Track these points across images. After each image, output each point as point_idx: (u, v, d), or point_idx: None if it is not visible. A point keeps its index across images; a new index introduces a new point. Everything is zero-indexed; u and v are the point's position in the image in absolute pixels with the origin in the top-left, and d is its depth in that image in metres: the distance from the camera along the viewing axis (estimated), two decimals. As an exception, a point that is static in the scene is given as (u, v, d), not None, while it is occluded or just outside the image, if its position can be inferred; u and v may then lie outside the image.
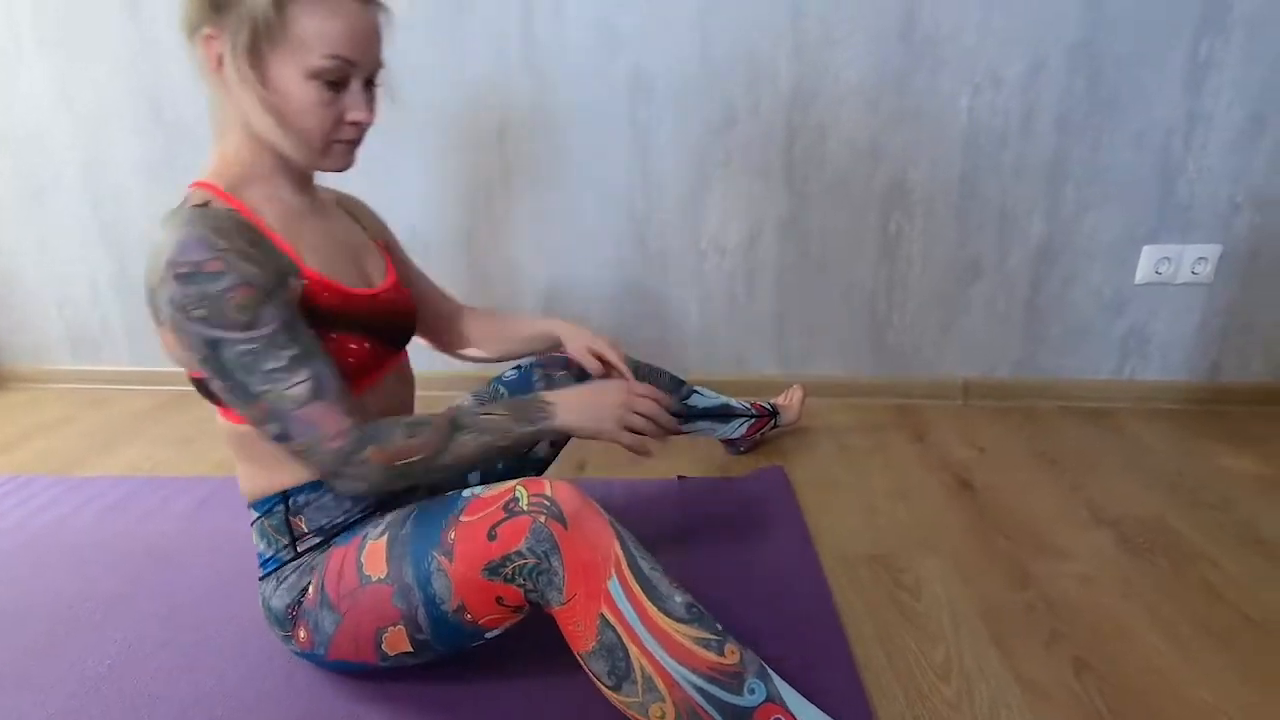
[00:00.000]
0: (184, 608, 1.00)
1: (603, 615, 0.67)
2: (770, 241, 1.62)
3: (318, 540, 0.82)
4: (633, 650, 0.67)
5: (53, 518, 1.24)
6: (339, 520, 0.82)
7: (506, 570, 0.69)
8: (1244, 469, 1.33)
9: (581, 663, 0.70)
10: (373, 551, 0.76)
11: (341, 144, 0.78)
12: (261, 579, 0.84)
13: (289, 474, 0.81)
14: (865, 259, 1.61)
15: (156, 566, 1.10)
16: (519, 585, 0.69)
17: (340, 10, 0.71)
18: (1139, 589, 1.00)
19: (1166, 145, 1.45)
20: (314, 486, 0.81)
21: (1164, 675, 0.84)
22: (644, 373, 1.17)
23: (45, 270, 1.83)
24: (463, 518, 0.72)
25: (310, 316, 0.75)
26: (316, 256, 0.78)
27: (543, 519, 0.69)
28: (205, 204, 0.72)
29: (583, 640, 0.68)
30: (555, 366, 1.06)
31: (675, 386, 1.22)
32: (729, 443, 1.41)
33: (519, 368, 1.07)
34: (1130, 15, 1.38)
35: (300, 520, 0.82)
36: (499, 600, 0.70)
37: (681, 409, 1.23)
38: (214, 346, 0.68)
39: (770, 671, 0.70)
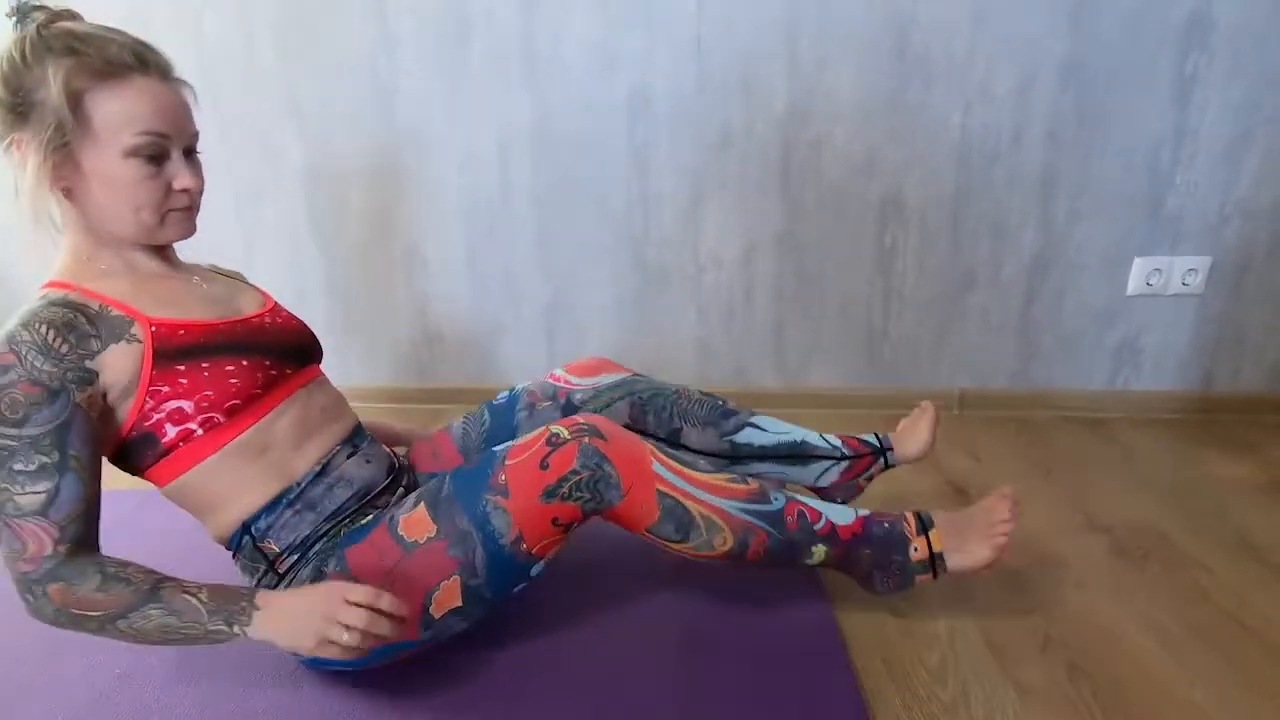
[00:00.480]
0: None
1: (659, 490, 0.83)
2: (767, 255, 1.65)
3: (295, 557, 0.85)
4: (689, 505, 0.84)
5: (61, 531, 1.26)
6: (307, 533, 0.85)
7: (564, 490, 0.80)
8: (1236, 476, 1.35)
9: (648, 537, 0.85)
10: (411, 522, 0.82)
11: (177, 212, 0.82)
12: None
13: (238, 506, 0.84)
14: (861, 271, 1.64)
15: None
16: (576, 499, 0.80)
17: (141, 91, 0.76)
18: (1132, 594, 1.01)
19: (1155, 159, 1.48)
20: (269, 509, 0.84)
21: (1157, 678, 0.86)
22: (667, 401, 1.05)
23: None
24: (508, 462, 0.82)
25: (172, 355, 0.77)
26: (163, 305, 0.81)
27: (587, 439, 0.82)
28: (43, 298, 0.75)
29: (647, 517, 0.83)
30: (543, 397, 1.07)
31: (720, 417, 1.05)
32: (818, 491, 1.12)
33: (512, 389, 1.10)
34: (1117, 33, 1.42)
35: (270, 543, 0.85)
36: (554, 521, 0.81)
37: (725, 446, 1.05)
38: None
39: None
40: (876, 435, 1.12)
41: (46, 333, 0.72)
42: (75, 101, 0.73)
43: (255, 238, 1.76)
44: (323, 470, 0.88)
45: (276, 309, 0.94)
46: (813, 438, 1.08)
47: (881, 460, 1.11)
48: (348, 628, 0.72)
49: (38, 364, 0.70)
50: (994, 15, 1.43)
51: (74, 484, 0.73)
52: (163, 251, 0.87)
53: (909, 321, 1.67)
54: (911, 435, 1.10)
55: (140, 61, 0.76)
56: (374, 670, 0.88)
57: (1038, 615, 0.98)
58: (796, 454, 1.07)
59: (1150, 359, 1.63)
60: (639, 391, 1.06)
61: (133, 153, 0.76)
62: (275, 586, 0.85)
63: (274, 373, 0.84)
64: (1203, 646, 0.91)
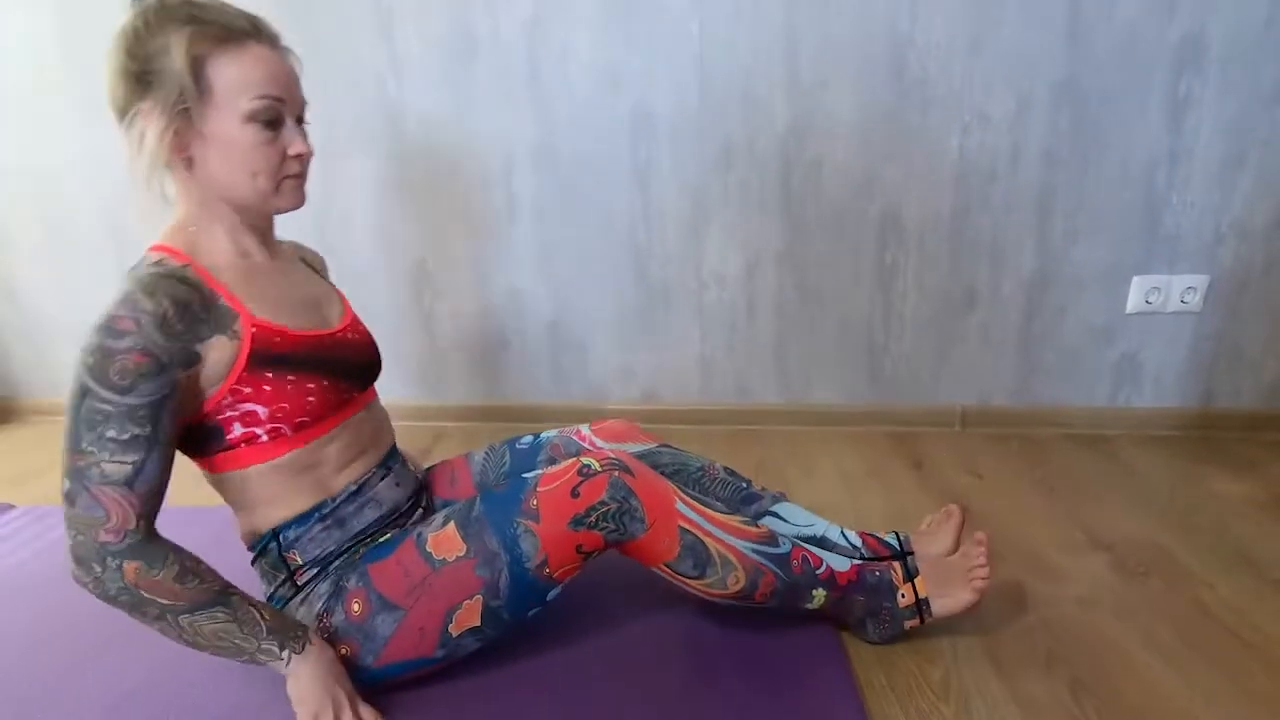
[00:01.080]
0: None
1: (681, 527, 0.85)
2: (769, 272, 1.66)
3: (315, 571, 0.86)
4: (709, 543, 0.86)
5: (69, 546, 1.27)
6: (330, 549, 0.86)
7: (591, 519, 0.82)
8: (1236, 493, 1.35)
9: (665, 572, 0.86)
10: (440, 540, 0.83)
11: (291, 180, 0.83)
12: None
13: (273, 513, 0.85)
14: (862, 289, 1.66)
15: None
16: (601, 529, 0.82)
17: (258, 57, 0.78)
18: (1134, 611, 1.02)
19: (1150, 179, 1.50)
20: (300, 521, 0.86)
21: (1159, 695, 0.86)
22: (690, 479, 1.06)
23: (66, 304, 1.88)
24: (540, 489, 0.84)
25: (265, 362, 0.79)
26: (266, 305, 0.82)
27: (616, 473, 0.84)
28: (159, 263, 0.77)
29: (667, 552, 0.85)
30: (566, 453, 1.06)
31: (741, 501, 1.06)
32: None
33: (536, 435, 1.10)
34: (1112, 55, 1.44)
35: (294, 554, 0.86)
36: (578, 548, 0.83)
37: None
38: (82, 393, 0.70)
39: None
40: (897, 536, 1.07)
41: (167, 307, 0.72)
42: (197, 67, 0.74)
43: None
44: (358, 490, 0.89)
45: (355, 321, 0.96)
46: (833, 533, 1.05)
47: (901, 563, 1.00)
48: None
49: (154, 336, 0.71)
50: (990, 37, 1.46)
51: (158, 461, 0.74)
52: (267, 237, 0.88)
53: (910, 339, 1.68)
54: (934, 540, 1.07)
55: (255, 28, 0.79)
56: (383, 688, 0.88)
57: (1041, 631, 0.98)
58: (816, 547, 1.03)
59: (1150, 376, 1.64)
60: (663, 465, 1.07)
61: (251, 117, 0.77)
62: (291, 599, 0.86)
63: (345, 396, 0.86)
64: (1205, 663, 0.91)
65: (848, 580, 0.93)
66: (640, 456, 1.07)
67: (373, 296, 1.79)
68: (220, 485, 0.85)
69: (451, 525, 0.85)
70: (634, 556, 0.86)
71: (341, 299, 0.98)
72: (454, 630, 0.83)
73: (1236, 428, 1.63)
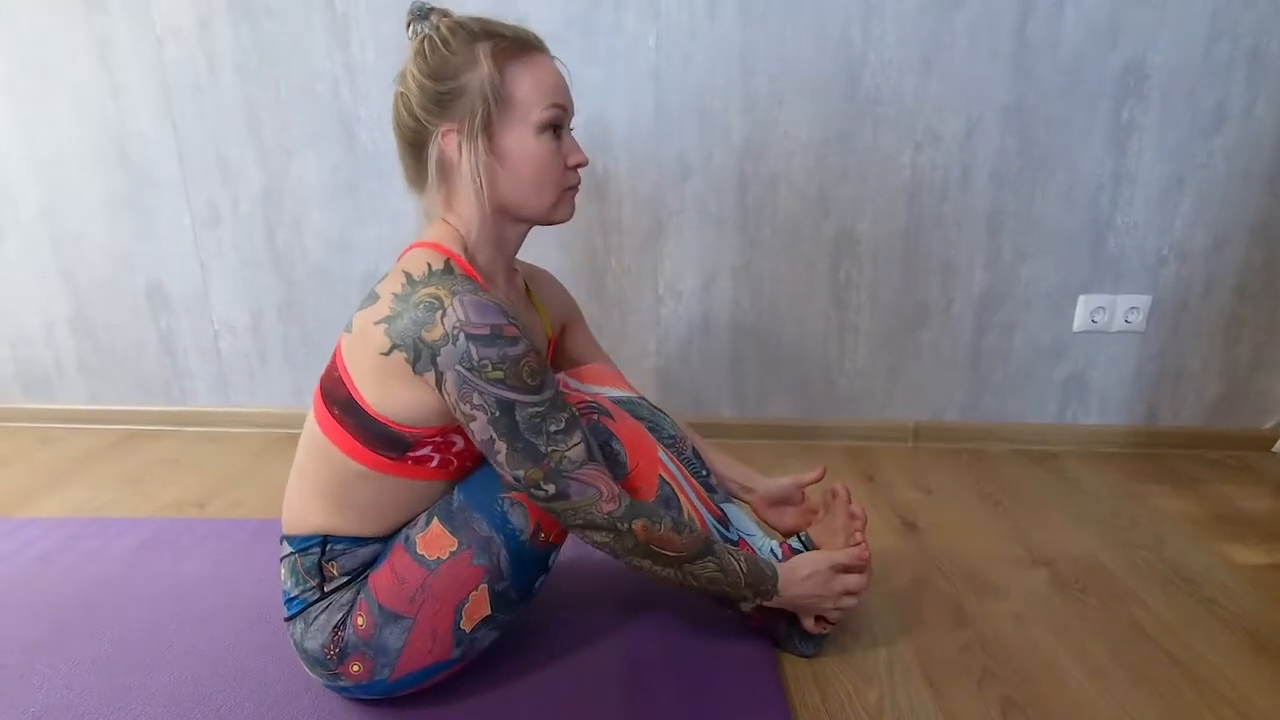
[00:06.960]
0: (119, 655, 0.98)
1: (661, 475, 0.84)
2: (725, 287, 1.67)
3: (345, 580, 0.83)
4: (682, 500, 0.85)
5: (-12, 560, 1.21)
6: (369, 561, 0.84)
7: None
8: (1177, 510, 1.38)
9: None
10: (429, 540, 0.80)
11: (569, 191, 0.84)
12: (288, 619, 0.84)
13: (356, 524, 0.82)
14: (817, 305, 1.66)
15: (90, 611, 1.07)
16: None
17: (545, 67, 0.80)
18: (1070, 628, 1.03)
19: (1095, 201, 1.54)
20: (359, 543, 0.82)
21: (1089, 713, 0.86)
22: (661, 439, 1.01)
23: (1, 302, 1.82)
24: None
25: None
26: None
27: (595, 416, 0.83)
28: (465, 277, 0.75)
29: (643, 499, 0.83)
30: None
31: (700, 486, 0.98)
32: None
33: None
34: (1058, 80, 1.47)
35: (333, 567, 0.82)
36: None
37: None
38: (507, 408, 0.71)
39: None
40: (799, 539, 0.99)
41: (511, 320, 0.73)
42: (500, 79, 0.75)
43: (211, 259, 1.74)
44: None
45: None
46: (765, 549, 0.97)
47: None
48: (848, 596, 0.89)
49: (531, 336, 0.73)
50: (940, 60, 1.48)
51: (585, 428, 0.77)
52: (512, 260, 0.89)
53: (863, 355, 1.69)
54: (829, 527, 1.00)
55: (538, 40, 0.80)
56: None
57: (976, 648, 0.98)
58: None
59: (1096, 393, 1.67)
60: (641, 417, 1.03)
61: (544, 126, 0.78)
62: (315, 603, 0.82)
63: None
64: (1134, 680, 0.92)
65: None
66: (619, 403, 1.02)
67: (323, 303, 1.76)
68: (345, 474, 0.79)
69: (436, 522, 0.81)
70: None
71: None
72: (466, 626, 0.81)
73: (1178, 445, 1.66)
